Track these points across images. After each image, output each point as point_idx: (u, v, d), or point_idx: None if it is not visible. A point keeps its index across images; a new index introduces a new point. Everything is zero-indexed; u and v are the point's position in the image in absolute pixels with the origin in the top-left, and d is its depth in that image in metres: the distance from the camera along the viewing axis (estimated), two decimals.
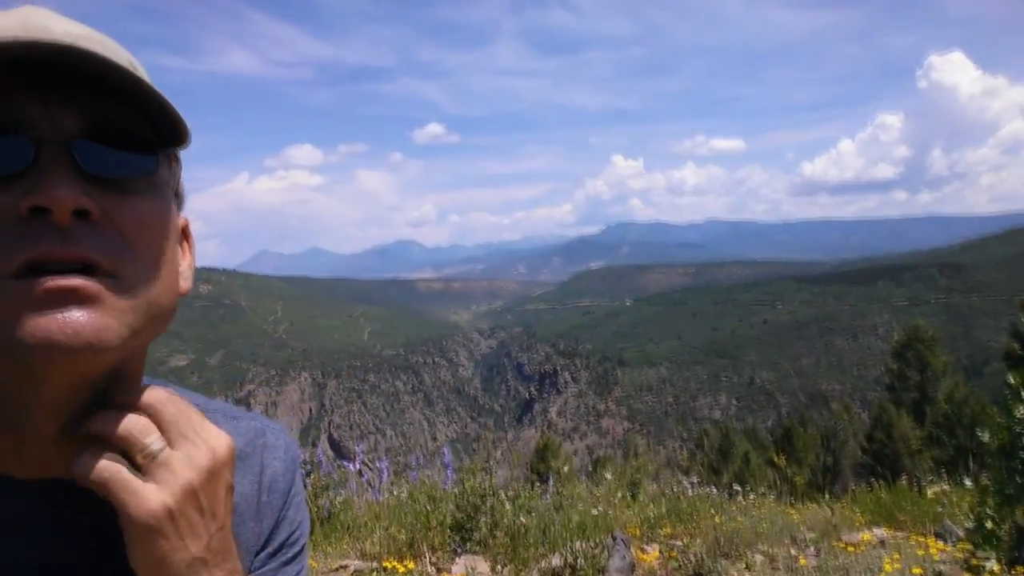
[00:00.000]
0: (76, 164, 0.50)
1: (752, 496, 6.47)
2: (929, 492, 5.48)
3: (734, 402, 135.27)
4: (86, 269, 0.49)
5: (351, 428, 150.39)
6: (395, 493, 4.32)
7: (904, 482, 6.82)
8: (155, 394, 0.55)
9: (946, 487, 5.65)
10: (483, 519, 3.63)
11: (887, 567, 3.50)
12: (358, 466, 4.63)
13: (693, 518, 4.88)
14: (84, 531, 0.57)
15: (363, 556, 3.46)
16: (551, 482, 5.17)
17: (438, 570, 3.36)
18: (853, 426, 20.72)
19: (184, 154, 0.60)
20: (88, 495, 0.52)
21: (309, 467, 4.20)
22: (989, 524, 3.45)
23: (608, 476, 5.55)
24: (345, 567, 3.27)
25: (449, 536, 3.60)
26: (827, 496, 7.49)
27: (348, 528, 3.88)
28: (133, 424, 0.52)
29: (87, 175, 0.50)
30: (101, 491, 0.51)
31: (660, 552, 3.94)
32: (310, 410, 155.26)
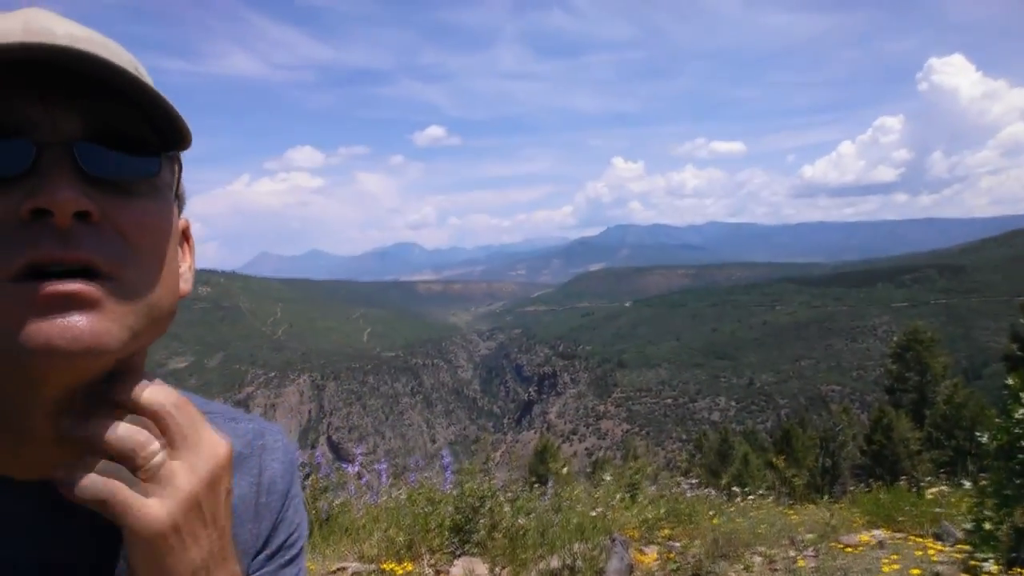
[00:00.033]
0: (77, 166, 0.50)
1: (751, 498, 6.46)
2: (928, 493, 5.48)
3: (733, 404, 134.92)
4: (87, 271, 0.49)
5: (350, 430, 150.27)
6: (394, 495, 4.32)
7: (903, 483, 6.81)
8: (160, 395, 0.53)
9: (945, 488, 5.64)
10: (482, 521, 3.63)
11: (885, 568, 3.51)
12: (357, 468, 4.62)
13: (692, 520, 4.87)
14: (84, 531, 0.57)
15: (362, 558, 3.46)
16: (550, 484, 5.17)
17: (436, 572, 3.36)
18: (852, 428, 20.68)
19: (185, 156, 0.60)
20: None
21: (308, 469, 4.20)
22: (987, 525, 3.45)
23: (607, 478, 5.54)
24: (343, 569, 3.27)
25: (448, 538, 3.60)
26: (826, 497, 7.49)
27: (347, 530, 3.86)
28: (133, 435, 0.50)
29: (88, 177, 0.50)
30: (100, 511, 0.49)
31: (658, 554, 3.94)
32: (309, 412, 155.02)
